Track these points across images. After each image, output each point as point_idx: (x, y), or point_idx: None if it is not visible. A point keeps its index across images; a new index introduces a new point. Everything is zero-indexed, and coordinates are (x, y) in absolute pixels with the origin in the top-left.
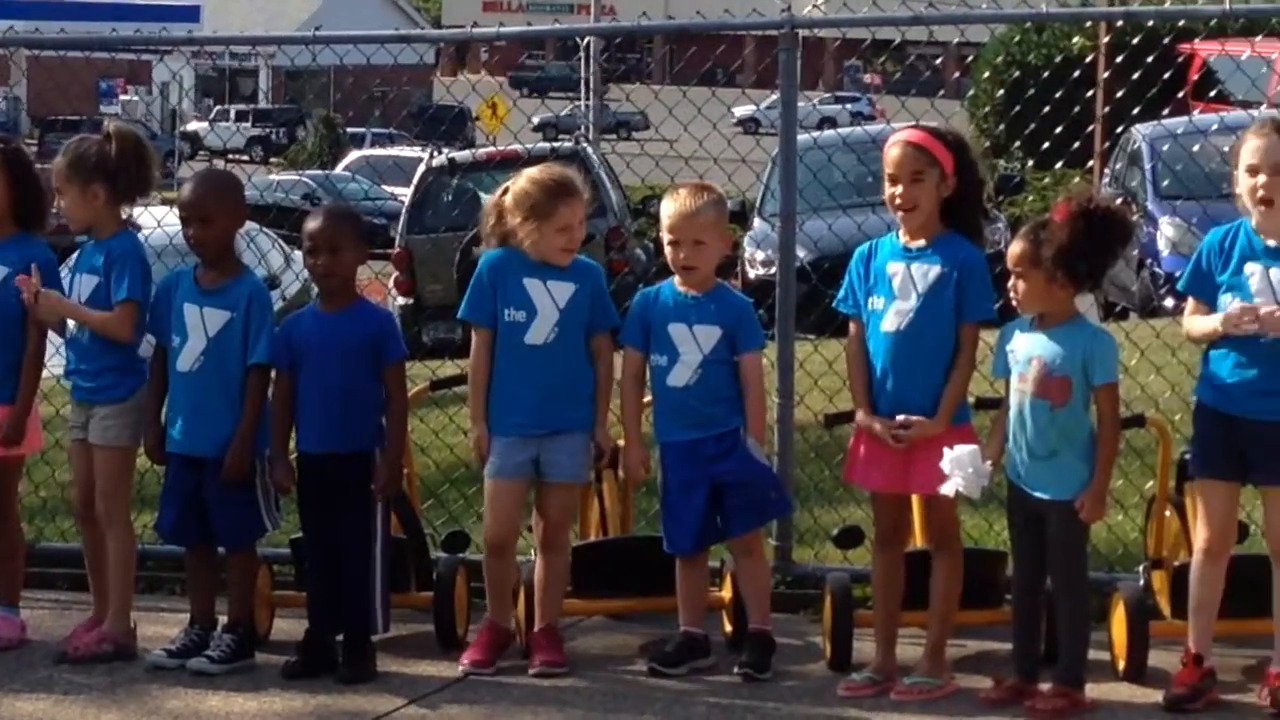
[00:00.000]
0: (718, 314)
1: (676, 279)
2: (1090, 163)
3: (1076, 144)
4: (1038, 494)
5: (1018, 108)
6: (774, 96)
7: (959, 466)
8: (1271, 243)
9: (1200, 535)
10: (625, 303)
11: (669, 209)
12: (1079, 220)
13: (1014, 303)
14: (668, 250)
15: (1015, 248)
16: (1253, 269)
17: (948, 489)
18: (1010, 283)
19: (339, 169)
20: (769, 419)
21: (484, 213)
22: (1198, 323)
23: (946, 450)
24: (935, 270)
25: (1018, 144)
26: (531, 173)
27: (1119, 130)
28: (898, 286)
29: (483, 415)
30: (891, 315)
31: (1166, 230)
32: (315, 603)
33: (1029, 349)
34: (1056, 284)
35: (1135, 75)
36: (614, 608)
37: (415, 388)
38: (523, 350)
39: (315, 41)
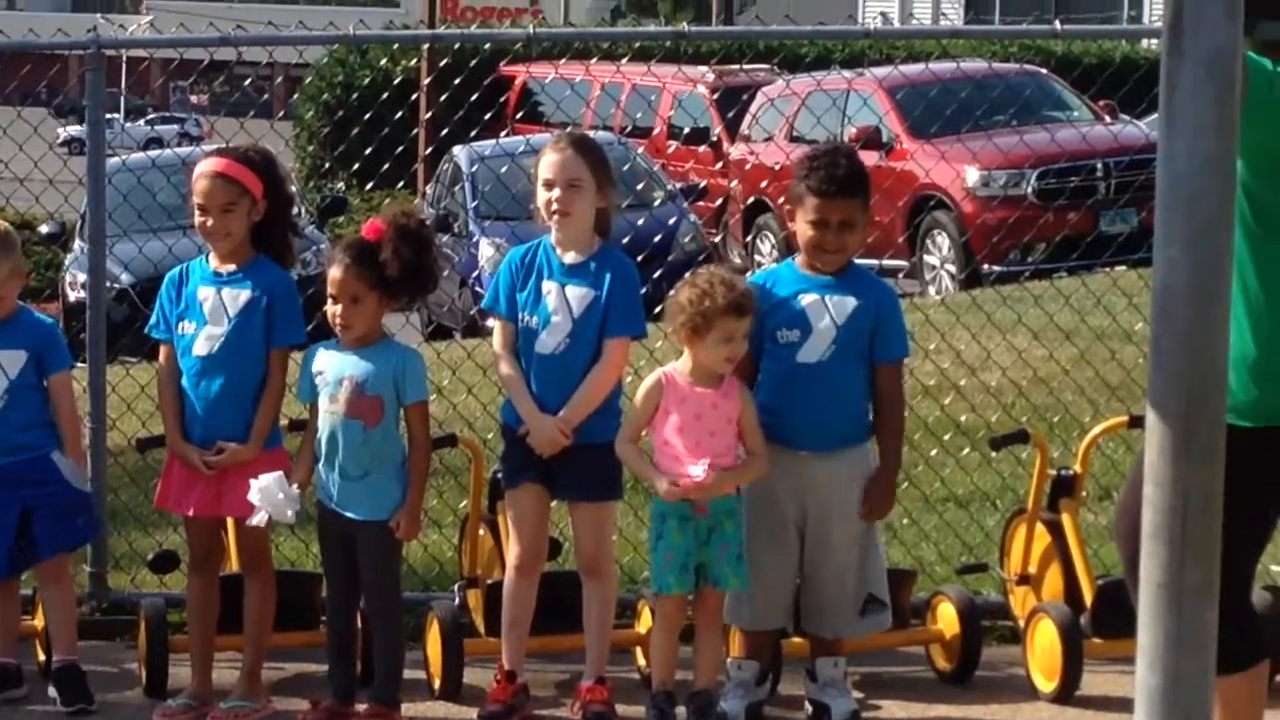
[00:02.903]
0: (22, 338)
1: None
2: (401, 184)
3: (387, 165)
4: (350, 514)
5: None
6: (111, 116)
7: (265, 497)
8: (568, 259)
9: (512, 552)
10: None
11: None
12: (398, 237)
13: (337, 327)
14: None
15: (337, 272)
16: (549, 287)
17: (258, 520)
18: (330, 308)
19: None
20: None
21: None
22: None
23: (253, 481)
24: (245, 295)
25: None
26: None
27: (428, 151)
28: (209, 311)
29: None
30: (202, 340)
31: (484, 249)
32: None
33: (339, 369)
34: (385, 305)
35: (447, 97)
36: None
37: None
38: None
39: None
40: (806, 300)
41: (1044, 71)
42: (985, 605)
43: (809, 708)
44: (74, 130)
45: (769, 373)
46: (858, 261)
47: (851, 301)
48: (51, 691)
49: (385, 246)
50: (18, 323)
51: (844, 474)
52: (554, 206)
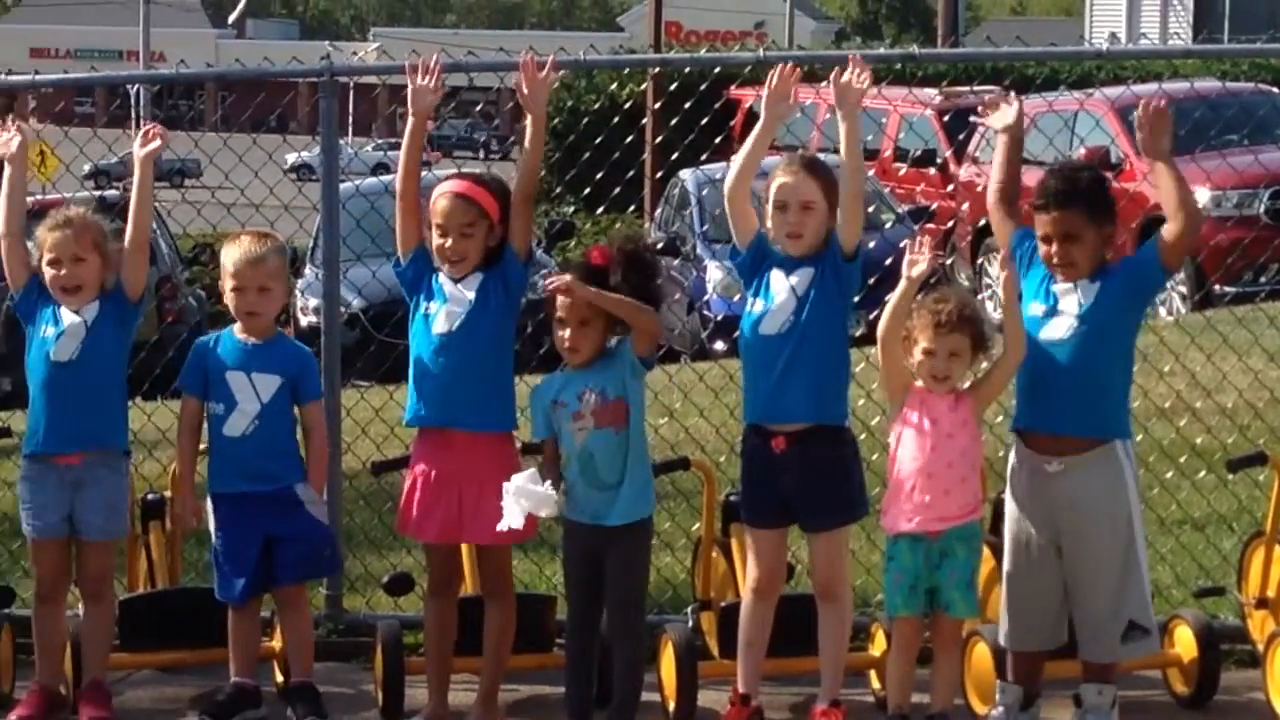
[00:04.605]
0: (278, 363)
1: (237, 326)
2: (630, 208)
3: (620, 190)
4: (607, 522)
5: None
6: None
7: (525, 494)
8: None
9: (750, 575)
10: (171, 351)
11: (234, 256)
12: (625, 260)
13: (567, 350)
14: (230, 297)
15: (565, 297)
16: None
17: (512, 523)
18: (558, 332)
19: None
20: None
21: None
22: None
23: (506, 484)
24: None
25: (560, 188)
26: None
27: (660, 176)
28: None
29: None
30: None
31: (712, 273)
32: None
33: (575, 388)
34: (611, 329)
35: (674, 121)
36: (163, 660)
37: None
38: None
39: None
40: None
41: (1276, 90)
42: (1223, 629)
43: None
44: (302, 156)
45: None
46: None
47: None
48: (289, 713)
49: (612, 271)
50: (275, 347)
51: (1095, 489)
52: (786, 230)
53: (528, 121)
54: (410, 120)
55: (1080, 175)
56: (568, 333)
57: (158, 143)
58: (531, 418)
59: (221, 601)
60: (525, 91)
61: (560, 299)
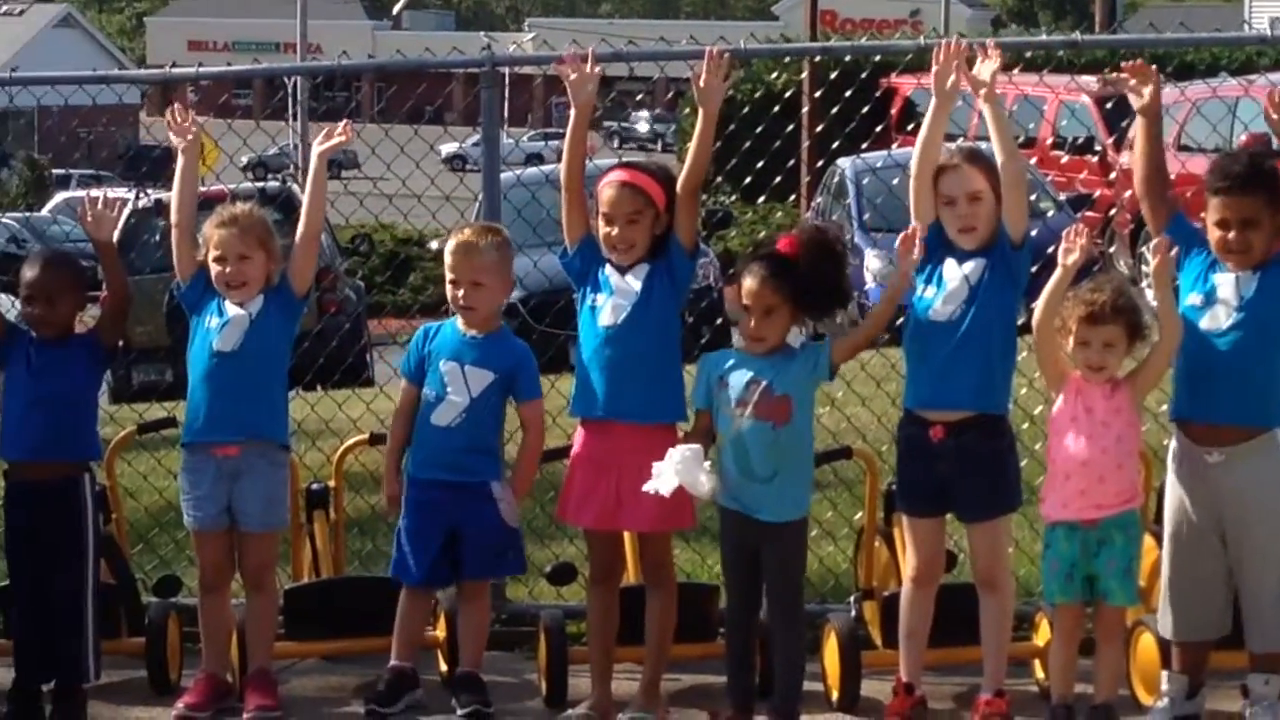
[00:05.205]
0: (495, 359)
1: (459, 317)
2: (793, 197)
3: (779, 179)
4: (760, 516)
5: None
6: (478, 135)
7: (685, 469)
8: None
9: (909, 565)
10: (334, 342)
11: (450, 248)
12: (814, 250)
13: (748, 338)
14: (448, 289)
15: (753, 283)
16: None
17: (661, 486)
18: (747, 321)
19: (44, 211)
20: None
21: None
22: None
23: (672, 450)
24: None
25: (720, 178)
26: None
27: (819, 164)
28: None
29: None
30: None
31: (871, 263)
32: (23, 651)
33: (744, 373)
34: (796, 318)
35: (836, 110)
36: (328, 649)
37: (122, 432)
38: None
39: (11, 83)
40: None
41: None
42: None
43: None
44: (456, 147)
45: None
46: None
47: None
48: (453, 702)
49: (801, 260)
50: (494, 343)
51: (1258, 478)
52: (959, 224)
53: (699, 115)
54: (572, 112)
55: (1262, 160)
56: (753, 321)
57: (343, 138)
58: (695, 383)
59: (394, 583)
60: (701, 85)
61: (747, 286)
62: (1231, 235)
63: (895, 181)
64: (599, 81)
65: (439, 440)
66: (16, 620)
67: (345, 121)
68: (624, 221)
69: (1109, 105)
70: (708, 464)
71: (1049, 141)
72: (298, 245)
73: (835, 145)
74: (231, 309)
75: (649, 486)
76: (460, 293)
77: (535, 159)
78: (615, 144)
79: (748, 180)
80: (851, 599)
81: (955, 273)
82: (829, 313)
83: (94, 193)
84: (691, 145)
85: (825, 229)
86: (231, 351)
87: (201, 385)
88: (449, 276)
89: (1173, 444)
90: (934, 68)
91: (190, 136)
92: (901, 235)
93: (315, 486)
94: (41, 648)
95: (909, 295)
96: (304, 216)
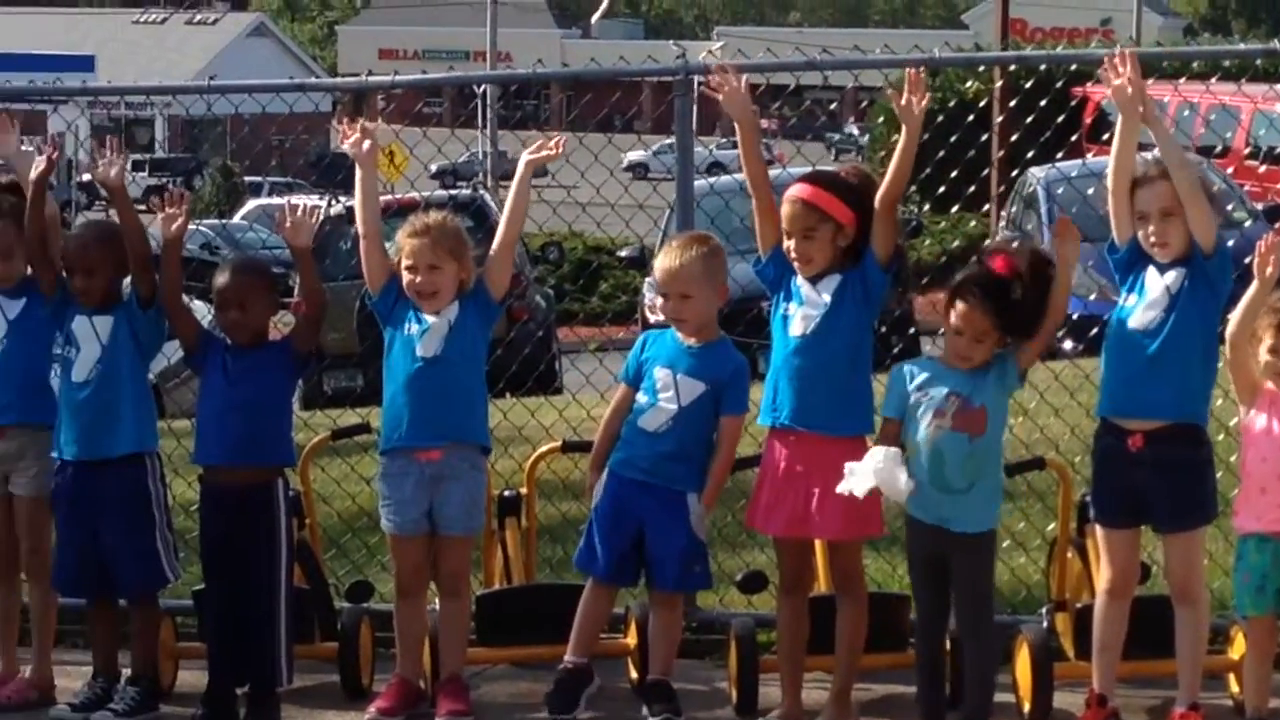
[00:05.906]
0: (708, 369)
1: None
2: (986, 206)
3: (972, 188)
4: (953, 528)
5: None
6: (667, 141)
7: (885, 471)
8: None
9: (1103, 576)
10: (525, 350)
11: (658, 261)
12: (1031, 273)
13: (956, 358)
14: (659, 301)
15: (968, 308)
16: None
17: (856, 487)
18: (958, 342)
19: (236, 218)
20: None
21: None
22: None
23: (872, 451)
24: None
25: (914, 187)
26: None
27: (1014, 174)
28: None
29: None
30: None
31: None
32: (218, 654)
33: (943, 384)
34: (1001, 340)
35: (1029, 119)
36: (519, 655)
37: (316, 437)
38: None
39: (209, 91)
40: None
41: None
42: None
43: None
44: (638, 155)
45: None
46: None
47: None
48: (644, 710)
49: (1015, 284)
50: (710, 353)
51: None
52: (1151, 240)
53: (902, 133)
54: (737, 127)
55: None
56: (963, 341)
57: (550, 152)
58: (886, 392)
59: (582, 570)
60: (903, 104)
61: (962, 309)
62: None
63: (1090, 191)
64: (750, 92)
65: (645, 444)
66: (211, 624)
67: (559, 137)
68: (800, 237)
69: None
70: (907, 473)
71: (1245, 151)
72: (495, 250)
73: (1029, 155)
74: (430, 316)
75: (842, 487)
76: (670, 305)
77: (717, 167)
78: (833, 155)
79: (941, 190)
80: (1044, 610)
81: (1157, 282)
82: (1034, 334)
83: (292, 200)
84: (893, 160)
85: (1039, 250)
86: (434, 357)
87: (403, 391)
88: (659, 290)
89: None
90: (1111, 84)
91: (365, 148)
92: (1059, 219)
93: (508, 493)
94: (236, 651)
95: (1099, 304)
96: (504, 223)
